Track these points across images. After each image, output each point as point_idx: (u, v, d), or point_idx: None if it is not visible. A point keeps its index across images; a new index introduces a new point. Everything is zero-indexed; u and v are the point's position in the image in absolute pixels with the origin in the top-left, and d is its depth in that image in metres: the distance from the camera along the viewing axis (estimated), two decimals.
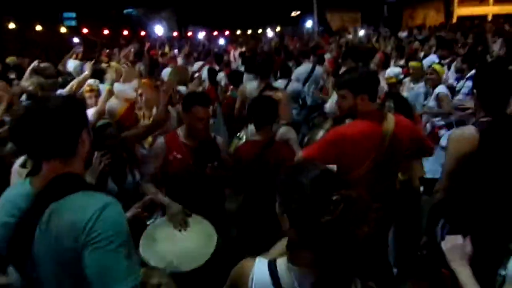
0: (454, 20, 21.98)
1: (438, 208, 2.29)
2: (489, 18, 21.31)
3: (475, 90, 2.25)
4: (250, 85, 4.55)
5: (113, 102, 3.69)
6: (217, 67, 7.62)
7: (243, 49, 11.60)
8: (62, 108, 1.31)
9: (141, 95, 3.67)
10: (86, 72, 4.67)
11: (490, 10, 23.40)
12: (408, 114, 2.47)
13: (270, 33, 19.79)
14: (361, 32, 8.95)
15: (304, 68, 6.56)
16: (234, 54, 11.04)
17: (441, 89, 4.35)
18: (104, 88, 3.90)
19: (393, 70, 4.99)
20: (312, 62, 6.87)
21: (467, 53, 5.10)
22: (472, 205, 2.17)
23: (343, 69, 4.39)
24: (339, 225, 1.12)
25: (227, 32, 22.19)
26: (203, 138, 2.78)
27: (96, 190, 1.36)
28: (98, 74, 5.20)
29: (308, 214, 1.17)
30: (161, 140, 2.82)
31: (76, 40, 13.62)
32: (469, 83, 4.56)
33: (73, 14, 19.89)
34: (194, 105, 2.67)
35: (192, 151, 2.74)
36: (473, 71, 4.62)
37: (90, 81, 4.22)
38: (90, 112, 3.61)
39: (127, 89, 3.66)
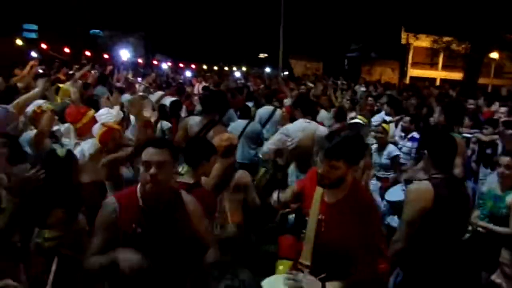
0: (407, 80, 23.85)
1: (397, 259, 2.39)
2: (438, 81, 23.37)
3: (426, 151, 2.53)
4: (193, 120, 4.41)
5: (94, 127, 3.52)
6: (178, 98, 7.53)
7: (207, 83, 11.69)
8: None
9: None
10: (37, 89, 4.33)
11: (438, 74, 25.71)
12: None
13: (237, 72, 20.25)
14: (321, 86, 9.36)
15: (265, 110, 6.70)
16: (199, 88, 11.07)
17: (393, 150, 4.53)
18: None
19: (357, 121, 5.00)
20: (273, 105, 7.04)
21: (414, 114, 5.45)
22: (428, 254, 2.35)
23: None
24: None
25: (193, 65, 22.40)
26: (156, 196, 1.94)
27: None
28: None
29: None
30: (111, 201, 1.97)
31: (34, 54, 13.04)
32: (409, 144, 4.85)
33: (35, 26, 19.19)
34: (144, 147, 1.95)
35: (150, 219, 1.94)
36: (414, 133, 4.94)
37: (40, 101, 3.96)
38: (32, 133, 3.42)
39: (106, 113, 3.50)
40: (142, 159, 1.91)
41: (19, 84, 5.72)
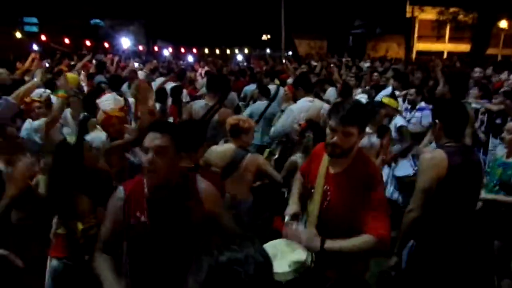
0: (414, 54, 23.40)
1: (412, 229, 2.38)
2: (445, 54, 22.88)
3: (437, 120, 2.51)
4: (197, 104, 4.41)
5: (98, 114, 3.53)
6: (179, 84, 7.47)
7: (209, 68, 11.57)
8: None
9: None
10: (36, 79, 4.37)
11: (445, 47, 25.17)
12: None
13: (239, 55, 20.04)
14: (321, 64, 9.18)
15: (270, 89, 6.58)
16: (201, 73, 10.97)
17: (400, 121, 4.48)
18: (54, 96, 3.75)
19: (361, 98, 4.94)
20: (276, 84, 6.95)
21: (419, 86, 5.36)
22: (442, 223, 2.36)
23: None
24: None
25: (194, 50, 22.21)
26: (160, 184, 1.82)
27: None
28: (50, 83, 4.95)
29: None
30: (119, 192, 1.91)
31: (35, 47, 13.03)
32: (418, 114, 4.79)
33: (35, 20, 19.13)
34: (148, 132, 1.86)
35: (155, 208, 1.86)
36: (422, 103, 4.87)
37: (40, 90, 3.97)
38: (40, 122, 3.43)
39: (104, 100, 3.49)
40: (143, 145, 1.81)
41: (26, 78, 5.73)
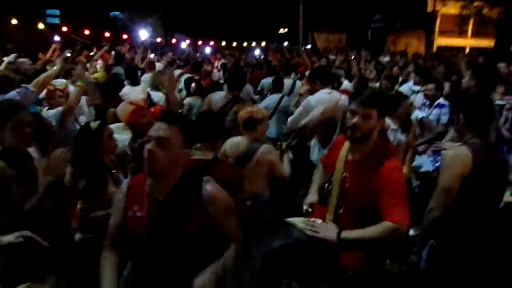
0: (434, 50, 22.84)
1: (433, 228, 2.31)
2: (467, 50, 22.26)
3: (461, 115, 2.40)
4: (217, 95, 4.43)
5: (120, 105, 3.56)
6: (195, 76, 7.49)
7: (226, 61, 11.57)
8: None
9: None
10: (55, 67, 4.47)
11: (468, 43, 24.45)
12: None
13: (257, 49, 19.99)
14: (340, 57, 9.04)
15: (286, 83, 6.55)
16: (217, 65, 10.99)
17: (420, 113, 4.37)
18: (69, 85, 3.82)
19: None
20: (292, 78, 6.90)
21: (440, 81, 5.20)
22: (465, 222, 2.29)
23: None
24: None
25: (212, 42, 22.24)
26: (157, 180, 1.73)
27: None
28: (69, 73, 5.04)
29: None
30: (124, 183, 1.89)
31: (57, 38, 13.28)
32: (437, 111, 4.66)
33: (57, 12, 19.51)
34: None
35: (158, 207, 1.74)
36: (440, 99, 4.73)
37: (61, 80, 4.04)
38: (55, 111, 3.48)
39: (132, 92, 3.50)
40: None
41: (48, 67, 5.86)
